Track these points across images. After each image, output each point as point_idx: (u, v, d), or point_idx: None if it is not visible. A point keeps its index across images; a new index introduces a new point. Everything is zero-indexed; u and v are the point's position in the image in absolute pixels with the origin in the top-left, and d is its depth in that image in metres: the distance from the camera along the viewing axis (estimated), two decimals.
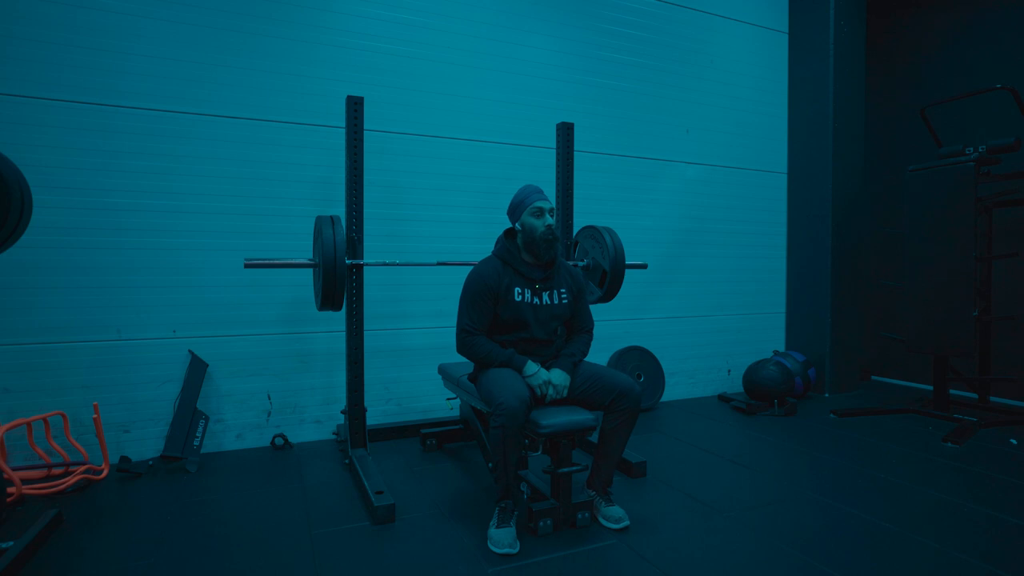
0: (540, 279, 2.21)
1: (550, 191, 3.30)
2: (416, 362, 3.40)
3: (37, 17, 2.65)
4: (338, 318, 3.10)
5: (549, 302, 2.21)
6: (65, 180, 2.71)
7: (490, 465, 2.43)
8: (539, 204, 2.16)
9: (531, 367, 2.10)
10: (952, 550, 1.93)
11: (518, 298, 2.16)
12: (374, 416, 3.24)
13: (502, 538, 1.92)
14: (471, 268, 2.25)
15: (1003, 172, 3.68)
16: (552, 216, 2.17)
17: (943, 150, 3.71)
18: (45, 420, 2.51)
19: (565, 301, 2.24)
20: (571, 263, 3.14)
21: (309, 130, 3.16)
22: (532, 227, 2.15)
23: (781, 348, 4.64)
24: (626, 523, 2.07)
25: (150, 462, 2.73)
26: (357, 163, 2.71)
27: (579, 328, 2.33)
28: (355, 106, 2.70)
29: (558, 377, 2.10)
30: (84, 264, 2.75)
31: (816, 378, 4.25)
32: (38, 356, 2.68)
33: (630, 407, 2.08)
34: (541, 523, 2.02)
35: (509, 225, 2.29)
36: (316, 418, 3.20)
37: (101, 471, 2.59)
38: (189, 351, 2.93)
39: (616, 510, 2.11)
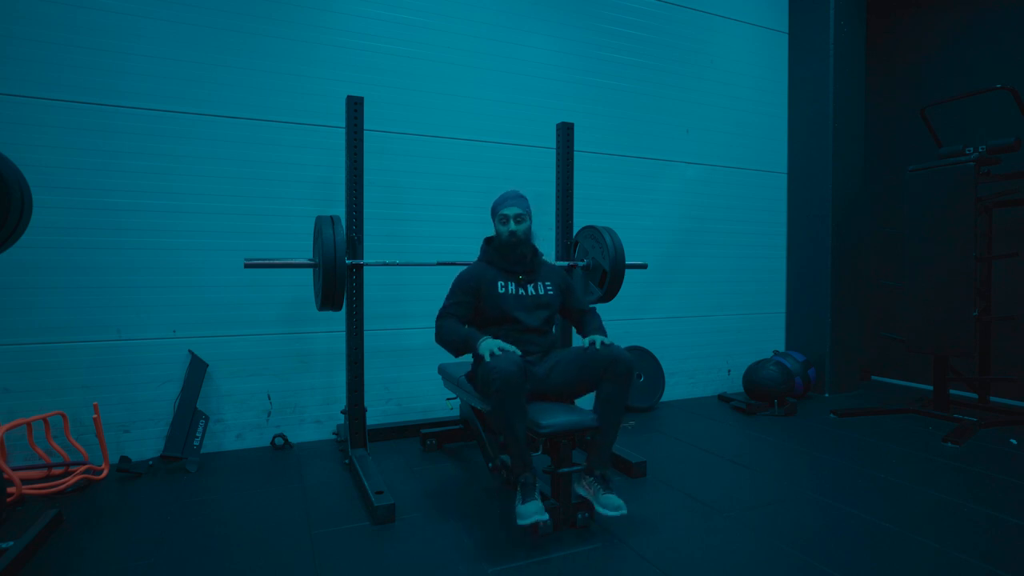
0: (523, 272, 2.35)
1: (550, 191, 3.30)
2: (416, 362, 3.40)
3: (37, 17, 2.65)
4: (338, 318, 3.10)
5: (534, 292, 2.33)
6: (65, 180, 2.71)
7: (490, 465, 2.45)
8: (504, 211, 2.32)
9: (484, 339, 2.08)
10: (952, 550, 1.93)
11: (501, 289, 2.28)
12: (374, 416, 3.24)
13: (529, 509, 1.88)
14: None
15: (1003, 172, 3.68)
16: (519, 223, 2.31)
17: (943, 150, 3.71)
18: (45, 420, 2.51)
19: (551, 292, 2.37)
20: (571, 263, 3.15)
21: (309, 130, 3.16)
22: (499, 232, 2.36)
23: (781, 348, 4.64)
24: (623, 511, 1.98)
25: (150, 462, 2.73)
26: (357, 163, 2.71)
27: (581, 312, 2.47)
28: (355, 106, 2.70)
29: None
30: (84, 264, 2.75)
31: (816, 378, 4.25)
32: (38, 356, 2.68)
33: (624, 371, 2.06)
34: (541, 523, 2.02)
35: None
36: (316, 418, 3.20)
37: (101, 471, 2.59)
38: (189, 351, 2.93)
39: (613, 498, 2.02)
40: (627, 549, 1.93)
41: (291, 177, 3.13)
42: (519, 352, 2.04)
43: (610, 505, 2.01)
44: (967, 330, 3.41)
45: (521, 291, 2.31)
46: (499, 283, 2.29)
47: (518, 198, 2.35)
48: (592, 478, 2.10)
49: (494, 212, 2.38)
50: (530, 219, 2.36)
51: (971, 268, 3.41)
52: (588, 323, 2.43)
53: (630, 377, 2.10)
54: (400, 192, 3.36)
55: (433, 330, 2.31)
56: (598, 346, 2.12)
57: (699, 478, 2.61)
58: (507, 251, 2.33)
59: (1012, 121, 3.72)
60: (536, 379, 2.17)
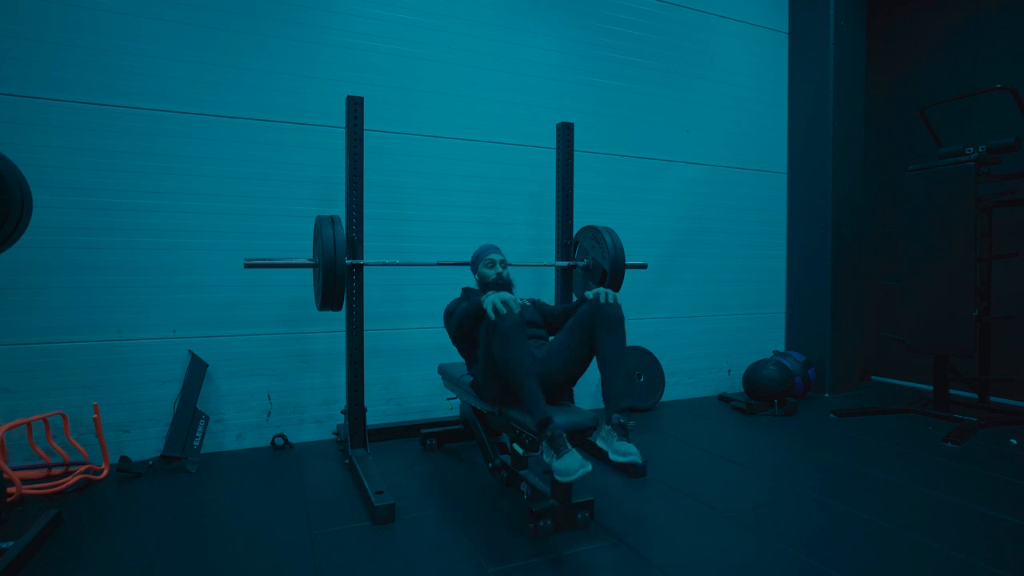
0: None
1: (550, 191, 3.30)
2: (416, 362, 3.41)
3: (37, 17, 2.65)
4: (338, 318, 3.10)
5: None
6: (65, 180, 2.71)
7: (490, 465, 2.45)
8: (491, 256, 2.52)
9: (487, 295, 2.11)
10: (952, 550, 1.93)
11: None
12: (374, 416, 3.24)
13: (570, 464, 1.75)
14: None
15: (1003, 172, 3.68)
16: (504, 267, 2.52)
17: (943, 150, 3.71)
18: (45, 420, 2.52)
19: (537, 319, 2.50)
20: (571, 263, 3.15)
21: (309, 130, 3.16)
22: (485, 275, 2.50)
23: (781, 348, 4.64)
24: (633, 457, 1.90)
25: (150, 462, 2.73)
26: (357, 163, 2.71)
27: (566, 312, 2.48)
28: (355, 106, 2.70)
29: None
30: (84, 264, 2.75)
31: (816, 378, 4.25)
32: (38, 356, 2.68)
33: (614, 316, 2.12)
34: (541, 523, 2.02)
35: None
36: (316, 418, 3.20)
37: (101, 471, 2.59)
38: (189, 351, 2.93)
39: (626, 445, 1.93)
40: (627, 549, 1.93)
41: (291, 177, 3.13)
42: (519, 300, 2.10)
43: (620, 451, 1.91)
44: (967, 330, 3.41)
45: None
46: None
47: (497, 249, 2.58)
48: (610, 426, 2.02)
49: (476, 261, 2.56)
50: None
51: (971, 268, 3.41)
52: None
53: (622, 322, 2.13)
54: (400, 192, 3.36)
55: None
56: (602, 298, 2.13)
57: (699, 478, 2.61)
58: (492, 290, 2.38)
59: (1012, 121, 3.72)
60: (538, 360, 2.20)
